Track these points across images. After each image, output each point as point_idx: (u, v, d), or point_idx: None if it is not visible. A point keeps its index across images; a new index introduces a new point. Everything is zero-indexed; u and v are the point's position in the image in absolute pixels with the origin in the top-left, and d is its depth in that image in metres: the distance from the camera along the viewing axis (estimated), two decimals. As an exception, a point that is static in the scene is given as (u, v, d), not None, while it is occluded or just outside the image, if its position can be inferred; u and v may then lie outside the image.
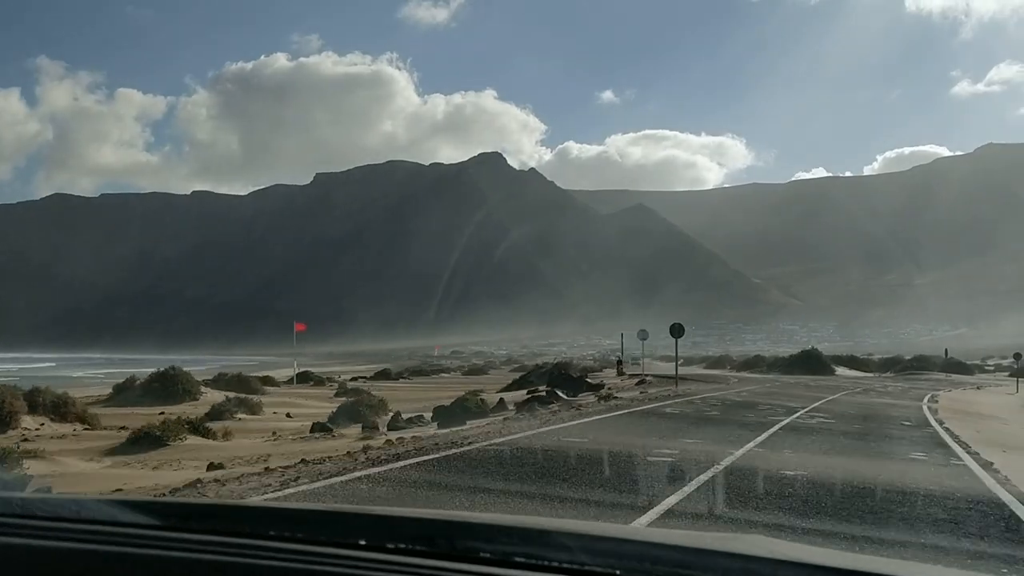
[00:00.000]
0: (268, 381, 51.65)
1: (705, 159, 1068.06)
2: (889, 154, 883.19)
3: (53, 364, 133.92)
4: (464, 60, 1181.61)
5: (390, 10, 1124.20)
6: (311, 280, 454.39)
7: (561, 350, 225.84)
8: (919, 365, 66.86)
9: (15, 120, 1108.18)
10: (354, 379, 65.17)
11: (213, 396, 36.55)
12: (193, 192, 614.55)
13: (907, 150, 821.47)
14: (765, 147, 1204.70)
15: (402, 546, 1.56)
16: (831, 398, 31.65)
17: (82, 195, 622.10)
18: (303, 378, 58.10)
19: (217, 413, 27.44)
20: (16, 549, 1.57)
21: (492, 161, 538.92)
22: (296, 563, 1.51)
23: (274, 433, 20.83)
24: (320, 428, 21.31)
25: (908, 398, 34.15)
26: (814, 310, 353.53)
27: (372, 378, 67.26)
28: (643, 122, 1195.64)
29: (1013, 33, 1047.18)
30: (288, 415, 27.76)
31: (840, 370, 57.95)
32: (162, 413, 25.89)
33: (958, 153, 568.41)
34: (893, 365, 75.50)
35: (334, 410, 26.04)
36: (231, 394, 41.79)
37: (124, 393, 36.95)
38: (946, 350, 62.16)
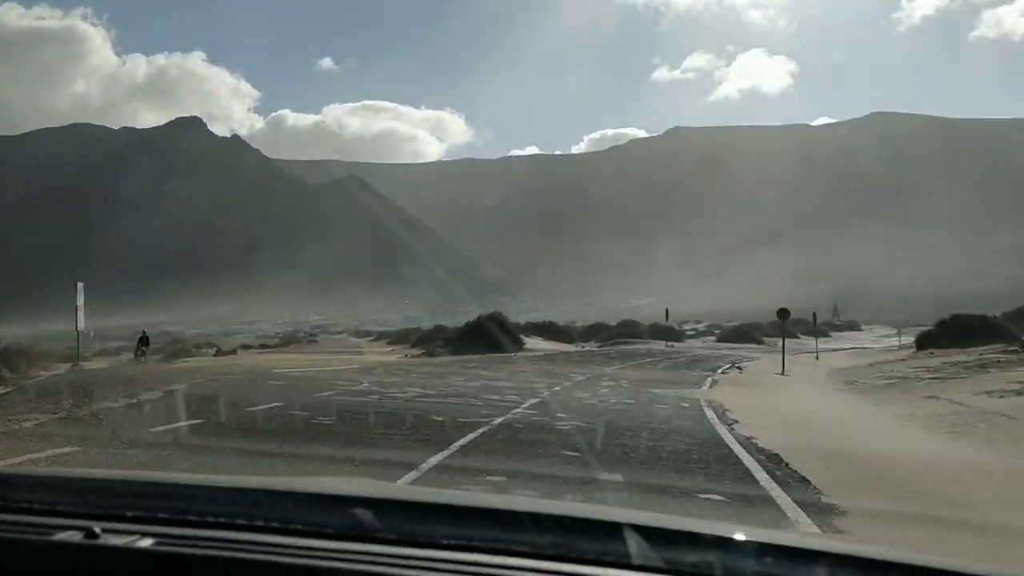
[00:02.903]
0: None
1: (425, 133, 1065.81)
2: (594, 135, 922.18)
3: None
4: (170, 19, 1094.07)
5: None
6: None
7: (262, 327, 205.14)
8: (628, 332, 54.31)
9: None
10: None
11: None
12: None
13: (610, 131, 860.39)
14: (483, 124, 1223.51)
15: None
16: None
17: None
18: None
19: None
20: None
21: (191, 126, 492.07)
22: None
23: None
24: None
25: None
26: (523, 282, 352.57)
27: None
28: (363, 93, 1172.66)
29: (706, 25, 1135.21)
30: None
31: (533, 341, 42.86)
32: None
33: (654, 135, 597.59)
34: (597, 333, 62.44)
35: None
36: None
37: None
38: (667, 311, 49.25)
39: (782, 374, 27.10)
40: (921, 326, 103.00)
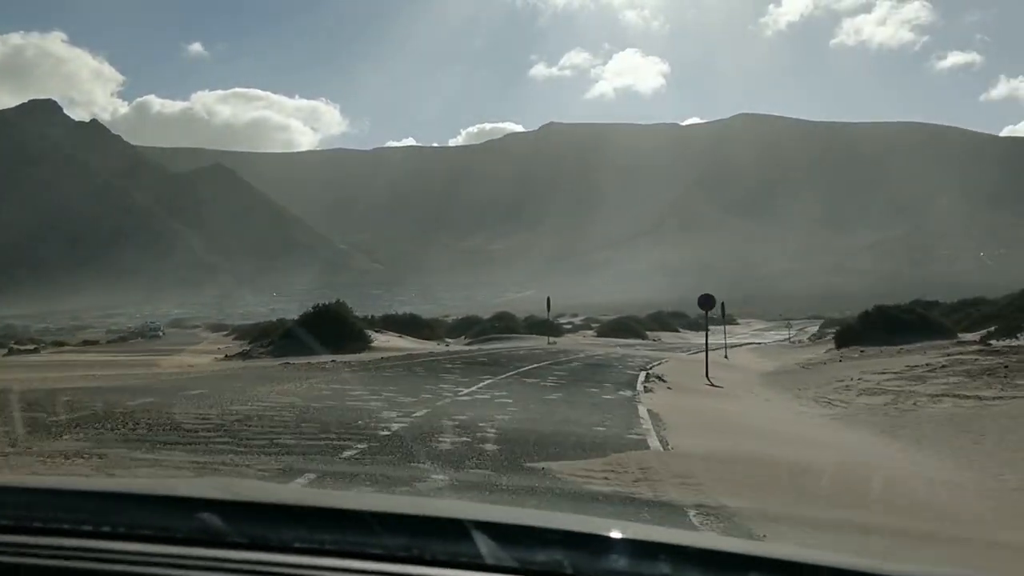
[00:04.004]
0: None
1: (299, 123, 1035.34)
2: (471, 129, 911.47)
3: None
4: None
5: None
6: None
7: (119, 321, 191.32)
8: (503, 326, 46.46)
9: None
10: None
11: None
12: None
13: (487, 126, 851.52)
14: (359, 115, 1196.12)
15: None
16: None
17: None
18: None
19: None
20: None
21: (44, 110, 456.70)
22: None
23: None
24: None
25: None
26: (399, 276, 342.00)
27: None
28: (234, 80, 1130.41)
29: (584, 23, 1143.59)
30: None
31: (386, 338, 34.14)
32: None
33: (530, 129, 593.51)
34: (469, 327, 54.32)
35: None
36: None
37: None
38: (548, 300, 41.27)
39: (713, 384, 19.39)
40: (793, 319, 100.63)
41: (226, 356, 35.38)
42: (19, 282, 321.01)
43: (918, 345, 31.53)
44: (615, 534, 1.34)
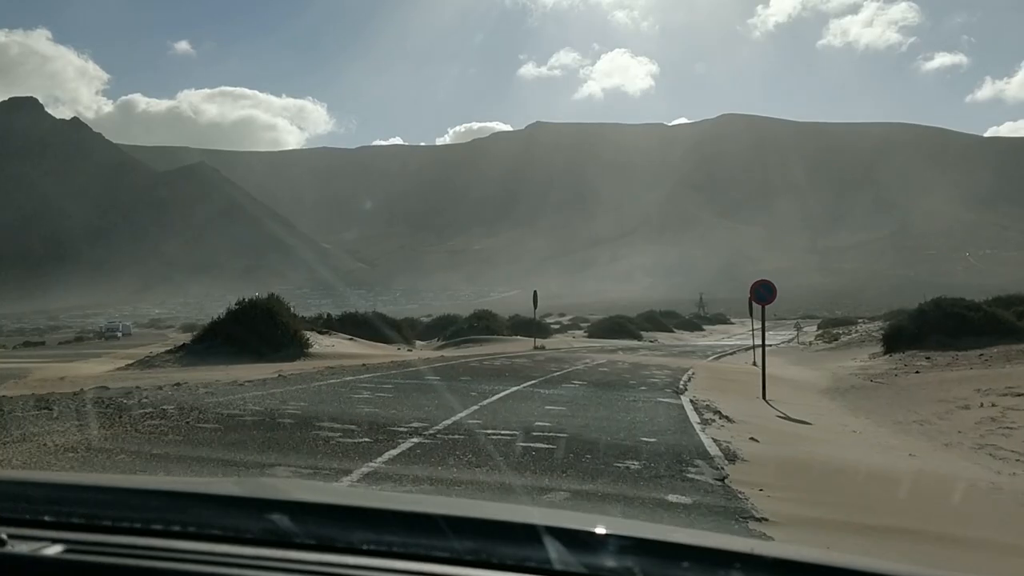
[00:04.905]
0: None
1: (285, 122, 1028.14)
2: (459, 128, 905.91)
3: None
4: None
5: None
6: None
7: (96, 321, 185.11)
8: (483, 326, 39.97)
9: None
10: None
11: None
12: None
13: (475, 125, 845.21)
14: (346, 114, 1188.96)
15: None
16: None
17: None
18: None
19: None
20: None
21: (24, 107, 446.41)
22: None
23: None
24: None
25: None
26: (384, 275, 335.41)
27: None
28: (221, 78, 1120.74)
29: (573, 23, 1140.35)
30: None
31: (331, 341, 27.35)
32: None
33: (518, 128, 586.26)
34: (446, 327, 47.76)
35: None
36: None
37: None
38: (535, 293, 34.44)
39: (787, 416, 12.58)
40: (785, 319, 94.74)
41: (140, 360, 28.31)
42: (1, 281, 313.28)
43: (996, 350, 24.89)
44: (688, 540, 1.34)
